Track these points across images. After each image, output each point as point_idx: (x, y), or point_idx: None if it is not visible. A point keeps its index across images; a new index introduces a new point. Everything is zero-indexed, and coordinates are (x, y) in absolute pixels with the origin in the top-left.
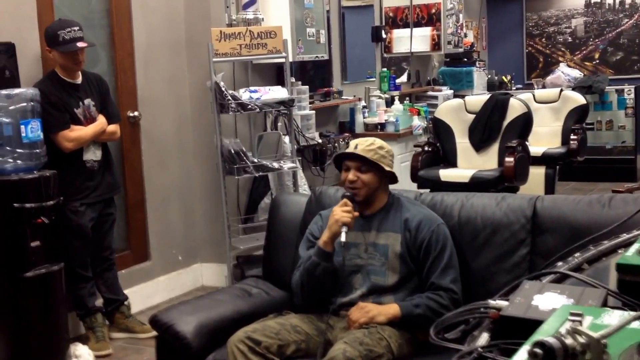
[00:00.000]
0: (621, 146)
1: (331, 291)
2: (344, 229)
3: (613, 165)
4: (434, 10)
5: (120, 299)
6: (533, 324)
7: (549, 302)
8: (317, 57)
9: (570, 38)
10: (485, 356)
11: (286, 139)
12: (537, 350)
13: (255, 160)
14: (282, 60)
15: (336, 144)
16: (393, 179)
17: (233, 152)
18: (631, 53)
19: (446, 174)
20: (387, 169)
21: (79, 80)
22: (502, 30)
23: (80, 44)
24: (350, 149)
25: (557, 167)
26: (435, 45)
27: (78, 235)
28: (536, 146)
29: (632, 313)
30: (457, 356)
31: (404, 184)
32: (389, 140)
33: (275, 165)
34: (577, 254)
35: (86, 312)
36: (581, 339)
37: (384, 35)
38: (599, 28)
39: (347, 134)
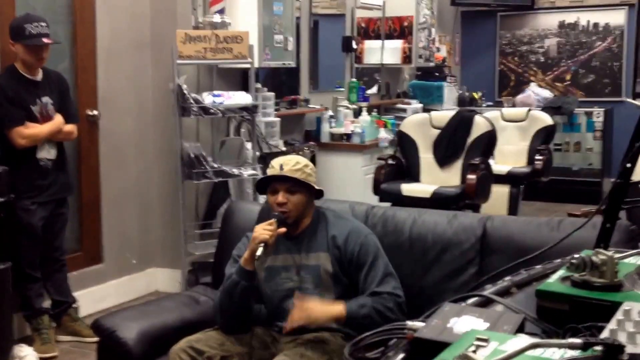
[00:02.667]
0: (588, 168)
1: (268, 315)
2: (261, 246)
3: (579, 187)
4: (406, 23)
5: (68, 301)
6: (445, 347)
7: (464, 325)
8: (284, 64)
9: (542, 58)
10: None
11: (249, 145)
12: None
13: (215, 165)
14: (248, 65)
15: (300, 153)
16: (319, 194)
17: (193, 156)
18: (603, 76)
19: (408, 189)
20: (316, 187)
21: (39, 77)
22: (475, 47)
23: (46, 40)
24: (276, 171)
25: (522, 186)
26: (407, 58)
27: (28, 235)
28: (502, 165)
29: (528, 341)
30: None
31: (366, 197)
32: (354, 151)
33: (236, 171)
34: (507, 278)
35: (33, 313)
36: None
37: (354, 46)
38: (572, 49)
39: (313, 143)
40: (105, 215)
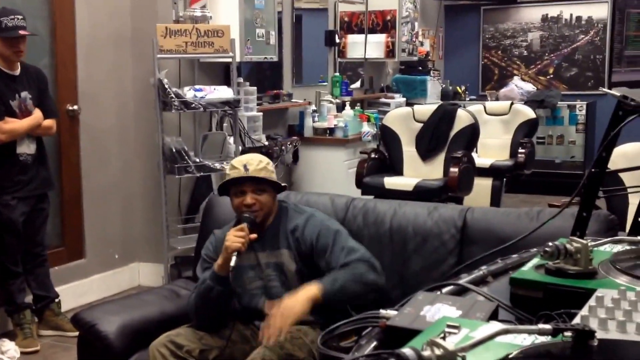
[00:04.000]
0: (570, 161)
1: (245, 314)
2: (235, 254)
3: (562, 180)
4: (389, 17)
5: (50, 296)
6: (417, 335)
7: (437, 313)
8: (266, 58)
9: (525, 52)
10: None
11: (231, 139)
12: None
13: (197, 160)
14: (229, 60)
15: (283, 147)
16: (284, 188)
17: (174, 150)
18: (585, 69)
19: (390, 182)
20: (282, 184)
21: (17, 71)
22: (459, 41)
23: (22, 32)
24: (240, 172)
25: (505, 179)
26: (390, 52)
27: (8, 230)
28: (484, 158)
29: (498, 326)
30: None
31: (349, 191)
32: (337, 145)
33: (218, 166)
34: (483, 267)
35: (15, 308)
36: (438, 352)
37: (337, 40)
38: (555, 43)
39: (295, 138)
40: (87, 210)
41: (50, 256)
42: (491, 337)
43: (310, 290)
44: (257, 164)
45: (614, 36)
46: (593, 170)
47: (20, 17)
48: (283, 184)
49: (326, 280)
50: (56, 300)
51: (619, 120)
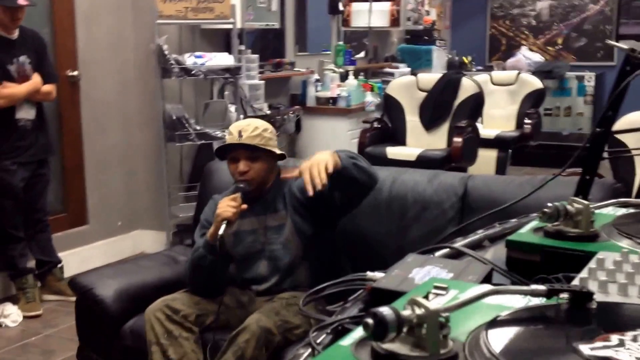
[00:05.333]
0: (578, 133)
1: (242, 279)
2: (224, 223)
3: (569, 152)
4: None
5: (53, 261)
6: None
7: (426, 276)
8: (267, 25)
9: (534, 21)
10: (347, 327)
11: (232, 108)
12: (369, 320)
13: (198, 127)
14: (230, 26)
15: (285, 116)
16: (283, 156)
17: (175, 118)
18: (595, 40)
19: (393, 152)
20: (278, 151)
21: (15, 35)
22: (466, 10)
23: (21, 1)
24: (234, 139)
25: (510, 150)
26: (395, 21)
27: (8, 195)
28: (490, 129)
29: (487, 287)
30: (315, 328)
31: None
32: (340, 115)
33: (219, 134)
34: (479, 231)
35: (17, 272)
36: (419, 311)
37: (341, 8)
38: (564, 12)
39: (298, 107)
40: (89, 176)
41: (53, 222)
42: (479, 297)
43: (331, 154)
44: (252, 130)
45: None
46: (597, 129)
47: None
48: (280, 152)
49: (342, 154)
50: (59, 265)
51: (626, 76)
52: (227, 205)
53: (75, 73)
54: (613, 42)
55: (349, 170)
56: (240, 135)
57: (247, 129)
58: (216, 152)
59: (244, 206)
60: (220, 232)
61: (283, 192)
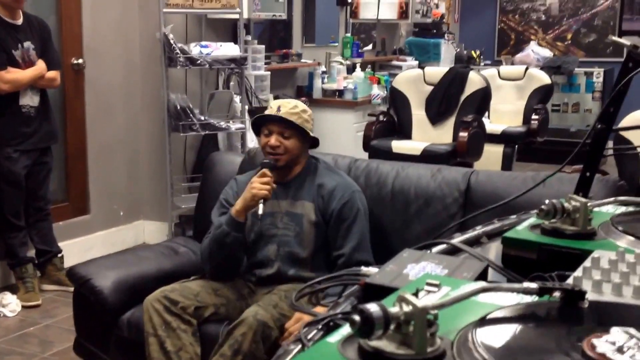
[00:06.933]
0: (586, 130)
1: (247, 263)
2: (261, 202)
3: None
4: None
5: (53, 250)
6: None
7: (421, 272)
8: (274, 15)
9: (544, 16)
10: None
11: (237, 98)
12: (356, 317)
13: (202, 118)
14: (237, 16)
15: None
16: (314, 143)
17: (179, 108)
18: (604, 35)
19: (398, 145)
20: (312, 134)
21: (20, 21)
22: (475, 4)
23: None
24: (273, 111)
25: (516, 146)
26: (403, 13)
27: (10, 182)
28: (497, 124)
29: (478, 285)
30: (307, 323)
31: (356, 153)
32: (346, 108)
33: (223, 124)
34: (478, 227)
35: (17, 261)
36: (407, 308)
37: (349, 0)
38: (574, 8)
39: (304, 98)
40: (92, 165)
41: (55, 211)
42: (468, 295)
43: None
44: (291, 107)
45: None
46: (599, 126)
47: None
48: (313, 136)
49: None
50: (59, 255)
51: (628, 72)
52: (260, 184)
53: (80, 61)
54: (616, 38)
55: None
56: (278, 109)
57: (287, 105)
58: (252, 124)
59: (274, 186)
60: (261, 211)
61: (313, 184)
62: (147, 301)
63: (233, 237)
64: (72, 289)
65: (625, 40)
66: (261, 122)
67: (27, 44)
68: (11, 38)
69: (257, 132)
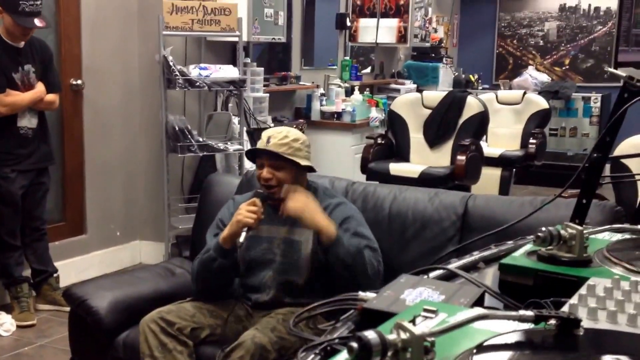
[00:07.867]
0: (583, 154)
1: (243, 287)
2: (244, 230)
3: (573, 173)
4: (402, 2)
5: (48, 270)
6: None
7: (418, 297)
8: (273, 39)
9: (542, 41)
10: (335, 348)
11: (236, 120)
12: (353, 344)
13: (201, 139)
14: (236, 39)
15: (294, 127)
16: (311, 169)
17: (177, 129)
18: (602, 61)
19: (396, 168)
20: (304, 163)
21: (22, 44)
22: (474, 29)
23: (37, 22)
24: (262, 144)
25: (514, 170)
26: (402, 37)
27: (7, 202)
28: (495, 147)
29: (475, 312)
30: (304, 348)
31: (354, 176)
32: (344, 130)
33: (221, 146)
34: (475, 252)
35: (12, 281)
36: (404, 335)
37: (348, 24)
38: (572, 33)
39: (302, 121)
40: (89, 186)
41: (51, 231)
42: (465, 322)
43: (331, 225)
44: (280, 138)
45: (622, 13)
46: (595, 155)
47: (39, 2)
48: (308, 164)
49: (346, 236)
50: (54, 274)
51: (623, 103)
52: (247, 211)
53: (79, 82)
54: (611, 69)
55: (340, 251)
56: (268, 141)
57: (277, 136)
58: (246, 155)
59: (262, 217)
60: (242, 239)
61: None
62: (143, 322)
63: (219, 263)
64: (67, 308)
65: (620, 72)
66: (253, 154)
67: (27, 66)
68: (12, 61)
69: (254, 162)
